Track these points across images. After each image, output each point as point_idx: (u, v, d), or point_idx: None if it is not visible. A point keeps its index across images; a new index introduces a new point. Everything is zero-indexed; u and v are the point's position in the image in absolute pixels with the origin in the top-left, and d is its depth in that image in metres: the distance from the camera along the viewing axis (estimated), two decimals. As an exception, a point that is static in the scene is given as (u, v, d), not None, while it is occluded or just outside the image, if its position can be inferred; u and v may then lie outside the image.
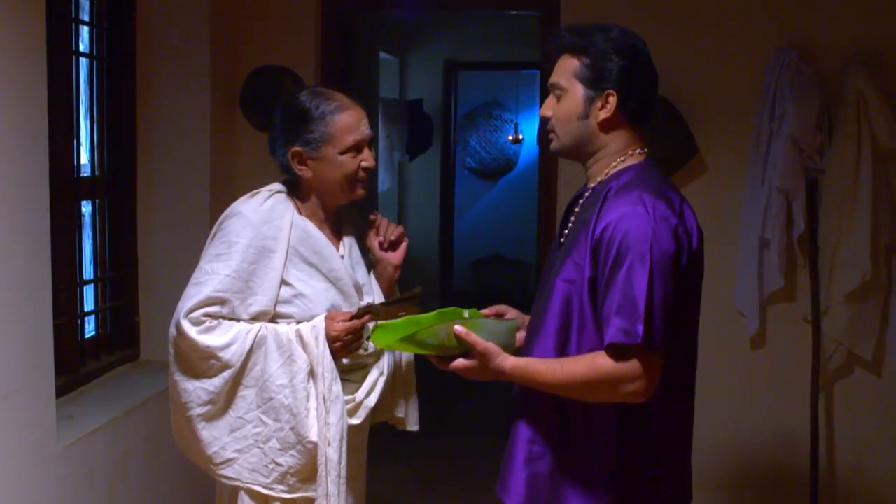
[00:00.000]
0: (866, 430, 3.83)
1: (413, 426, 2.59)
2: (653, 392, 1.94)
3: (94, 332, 3.50)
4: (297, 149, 2.34)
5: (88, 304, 3.45)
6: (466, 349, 2.02)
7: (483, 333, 2.03)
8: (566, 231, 2.16)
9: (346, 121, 2.34)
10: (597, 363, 1.94)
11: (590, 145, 2.11)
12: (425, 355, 2.08)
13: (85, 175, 3.41)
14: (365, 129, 2.37)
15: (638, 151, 2.11)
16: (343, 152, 2.33)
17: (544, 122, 2.16)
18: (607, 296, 1.94)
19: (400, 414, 2.57)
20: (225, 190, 3.88)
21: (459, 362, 2.04)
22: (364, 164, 2.36)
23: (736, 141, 3.79)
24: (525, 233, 9.28)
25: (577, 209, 2.16)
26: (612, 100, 2.05)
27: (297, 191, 2.43)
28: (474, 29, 7.52)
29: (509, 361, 2.02)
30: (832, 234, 3.66)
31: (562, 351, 2.04)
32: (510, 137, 9.27)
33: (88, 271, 3.46)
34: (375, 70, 6.44)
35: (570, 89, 2.08)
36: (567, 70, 2.08)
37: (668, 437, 2.09)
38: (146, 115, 3.67)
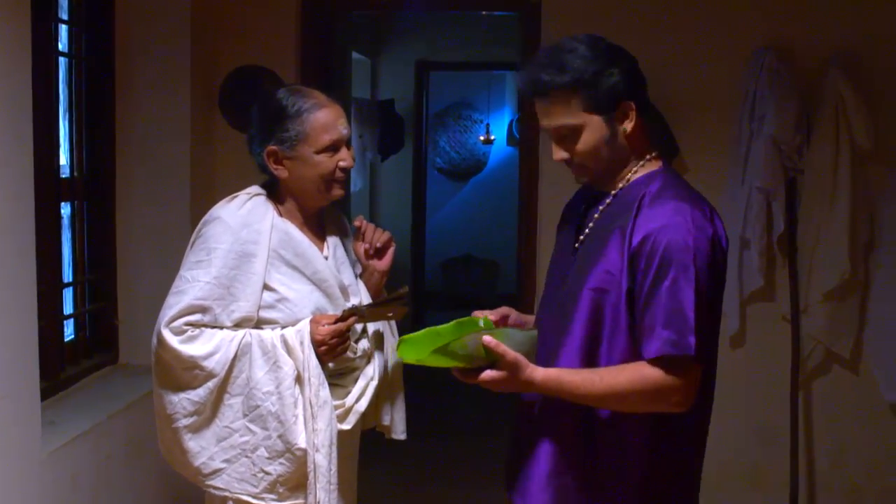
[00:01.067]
0: (844, 426, 3.88)
1: (400, 435, 2.54)
2: (693, 401, 1.93)
3: (73, 336, 3.44)
4: (273, 148, 2.29)
5: (67, 308, 3.39)
6: (493, 360, 1.96)
7: (509, 343, 1.96)
8: (582, 237, 2.11)
9: (322, 119, 2.28)
10: (643, 374, 1.91)
11: (622, 161, 2.06)
12: (450, 368, 2.00)
13: (63, 176, 3.36)
14: (342, 129, 2.32)
15: (654, 155, 2.08)
16: (319, 151, 2.28)
17: (565, 163, 2.07)
18: (649, 308, 1.90)
19: (386, 421, 2.52)
20: (205, 191, 3.84)
21: (488, 374, 1.96)
22: (342, 163, 2.31)
23: (716, 141, 3.82)
24: (495, 233, 9.30)
25: (596, 215, 2.09)
26: (632, 112, 2.00)
27: (275, 192, 2.38)
28: (446, 30, 7.52)
29: (539, 373, 1.96)
30: (811, 234, 3.70)
31: (590, 361, 2.00)
32: (481, 138, 9.28)
33: (67, 274, 3.40)
34: (348, 70, 6.40)
35: (586, 124, 1.99)
36: (570, 109, 1.98)
37: (694, 449, 2.08)
38: (125, 115, 3.62)
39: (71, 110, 3.40)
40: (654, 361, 1.90)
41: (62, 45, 3.32)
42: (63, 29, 3.32)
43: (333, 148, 2.30)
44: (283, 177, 2.32)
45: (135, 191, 3.65)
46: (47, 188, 3.05)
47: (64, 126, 3.36)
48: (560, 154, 2.04)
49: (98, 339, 3.61)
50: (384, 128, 7.34)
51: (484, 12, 6.38)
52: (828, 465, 3.89)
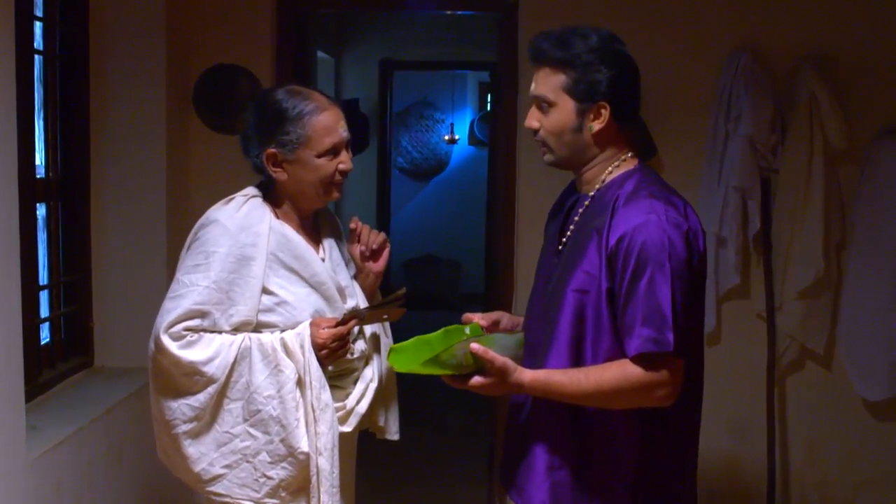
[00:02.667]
0: (817, 421, 3.95)
1: (393, 435, 2.55)
2: (678, 394, 1.97)
3: (48, 339, 3.37)
4: (272, 150, 2.27)
5: (43, 310, 3.32)
6: (481, 366, 2.00)
7: (496, 348, 2.01)
8: (564, 239, 2.16)
9: (323, 123, 2.27)
10: (626, 372, 1.95)
11: (585, 155, 2.12)
12: (440, 375, 2.05)
13: (38, 177, 3.28)
14: (343, 132, 2.31)
15: (630, 155, 2.14)
16: (320, 155, 2.27)
17: (532, 133, 2.15)
18: (629, 306, 1.95)
19: (381, 422, 2.52)
20: (180, 192, 3.79)
21: (476, 380, 2.02)
22: (341, 166, 2.31)
23: (692, 141, 3.85)
24: (457, 233, 9.31)
25: (576, 217, 2.15)
26: (605, 111, 2.06)
27: (271, 194, 2.36)
28: (410, 29, 7.51)
29: (527, 375, 2.01)
30: (785, 233, 3.76)
31: (576, 361, 2.04)
32: (446, 138, 9.29)
33: (42, 276, 3.33)
34: (313, 69, 6.36)
35: (559, 103, 2.07)
36: (553, 84, 2.07)
37: (685, 443, 2.13)
38: (100, 114, 3.54)
39: (45, 109, 3.33)
40: (636, 359, 1.95)
41: (36, 42, 3.25)
42: (38, 26, 3.25)
43: (334, 151, 2.29)
44: (281, 179, 2.30)
45: (109, 191, 3.58)
46: (24, 189, 2.98)
47: (39, 125, 3.29)
48: (531, 122, 2.14)
49: (72, 342, 3.54)
50: (349, 127, 7.29)
51: (448, 12, 6.37)
52: (801, 459, 3.95)
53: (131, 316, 3.62)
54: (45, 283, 3.35)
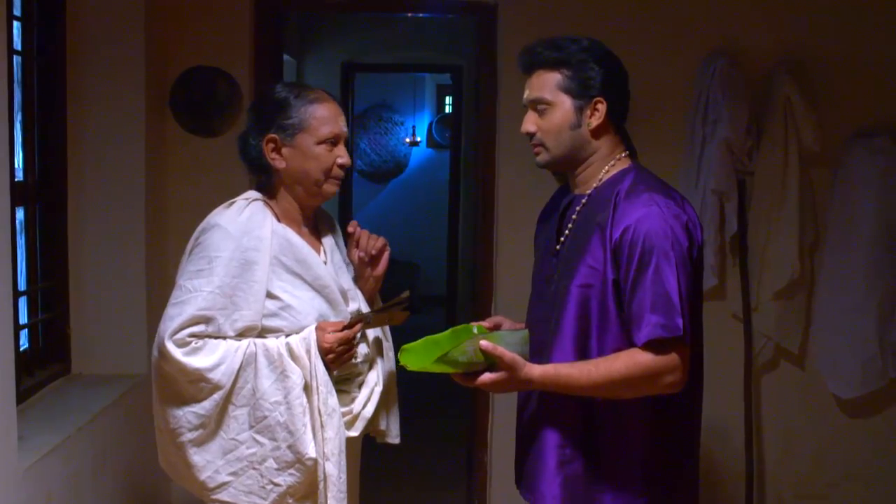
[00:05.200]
0: (791, 419, 4.02)
1: (394, 439, 2.54)
2: (686, 380, 2.02)
3: (27, 346, 3.30)
4: (273, 135, 2.28)
5: (21, 317, 3.25)
6: (491, 363, 2.03)
7: (503, 345, 2.05)
8: (563, 239, 2.20)
9: (324, 111, 2.30)
10: (636, 359, 2.00)
11: (582, 153, 2.17)
12: (450, 374, 2.08)
13: (17, 180, 3.21)
14: (342, 126, 2.33)
15: (624, 154, 2.20)
16: (319, 142, 2.28)
17: (528, 136, 2.20)
18: (636, 295, 2.00)
19: (382, 426, 2.51)
20: (159, 197, 3.74)
21: (486, 376, 2.05)
22: (340, 160, 2.32)
23: (670, 144, 3.89)
24: (414, 235, 9.31)
25: (574, 216, 2.19)
26: (602, 106, 2.12)
27: (271, 193, 2.35)
28: (371, 31, 7.47)
29: (537, 370, 2.05)
30: (761, 235, 3.82)
31: (582, 354, 2.08)
32: (407, 140, 9.29)
33: (21, 282, 3.26)
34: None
35: (556, 102, 2.13)
36: (548, 84, 2.13)
37: (692, 427, 2.19)
38: (77, 116, 3.48)
39: (23, 110, 3.25)
40: (646, 346, 2.00)
41: (14, 42, 3.18)
42: (16, 26, 3.18)
43: (333, 141, 2.30)
44: (280, 167, 2.30)
45: (87, 195, 3.52)
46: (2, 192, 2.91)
47: (17, 127, 3.22)
48: (528, 126, 2.18)
49: (49, 349, 3.47)
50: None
51: (411, 14, 6.36)
52: (776, 457, 4.02)
53: (109, 322, 3.57)
54: (25, 288, 3.27)
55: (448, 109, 9.28)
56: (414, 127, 9.37)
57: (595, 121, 2.12)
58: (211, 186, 3.83)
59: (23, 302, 3.27)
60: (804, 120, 3.71)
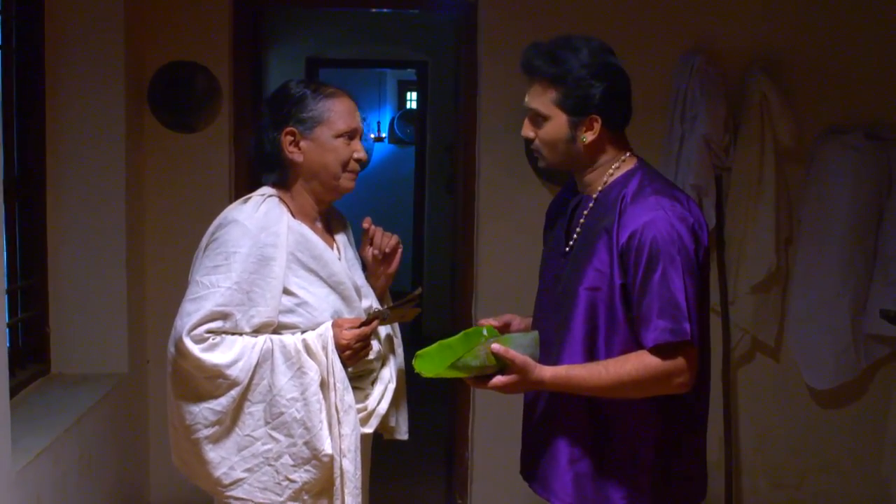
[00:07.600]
0: (766, 410, 4.09)
1: (403, 435, 2.55)
2: (694, 382, 2.05)
3: (8, 346, 3.23)
4: (291, 128, 2.28)
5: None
6: (503, 366, 2.05)
7: (514, 347, 2.07)
8: (572, 241, 2.21)
9: (340, 106, 2.31)
10: (645, 362, 2.02)
11: (581, 162, 2.19)
12: (463, 378, 2.09)
13: (-3, 177, 3.15)
14: (359, 121, 2.34)
15: (629, 155, 2.21)
16: (337, 136, 2.29)
17: (527, 142, 2.21)
18: (644, 300, 2.02)
19: (392, 422, 2.51)
20: (139, 193, 3.69)
21: (498, 379, 2.07)
22: (356, 154, 2.33)
23: (649, 141, 3.90)
24: (378, 231, 9.27)
25: (581, 219, 2.20)
26: (597, 124, 2.12)
27: (286, 188, 2.34)
28: (335, 26, 7.44)
29: (548, 372, 2.07)
30: (738, 229, 3.88)
31: (590, 356, 2.11)
32: (372, 136, 9.24)
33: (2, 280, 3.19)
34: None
35: (552, 117, 2.13)
36: (545, 98, 2.13)
37: (699, 425, 2.21)
38: (56, 112, 3.43)
39: (2, 106, 3.19)
40: (654, 350, 2.02)
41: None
42: (-4, 20, 3.12)
43: (350, 135, 2.31)
44: (297, 161, 2.29)
45: (66, 192, 3.47)
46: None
47: (-3, 123, 3.15)
48: (527, 132, 2.20)
49: (28, 349, 3.41)
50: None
51: (380, 9, 6.34)
52: (752, 448, 4.09)
53: (88, 321, 3.53)
54: (6, 287, 3.20)
55: (410, 105, 9.26)
56: (379, 123, 9.34)
57: (590, 136, 2.13)
58: (189, 182, 3.81)
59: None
60: (780, 117, 3.77)
